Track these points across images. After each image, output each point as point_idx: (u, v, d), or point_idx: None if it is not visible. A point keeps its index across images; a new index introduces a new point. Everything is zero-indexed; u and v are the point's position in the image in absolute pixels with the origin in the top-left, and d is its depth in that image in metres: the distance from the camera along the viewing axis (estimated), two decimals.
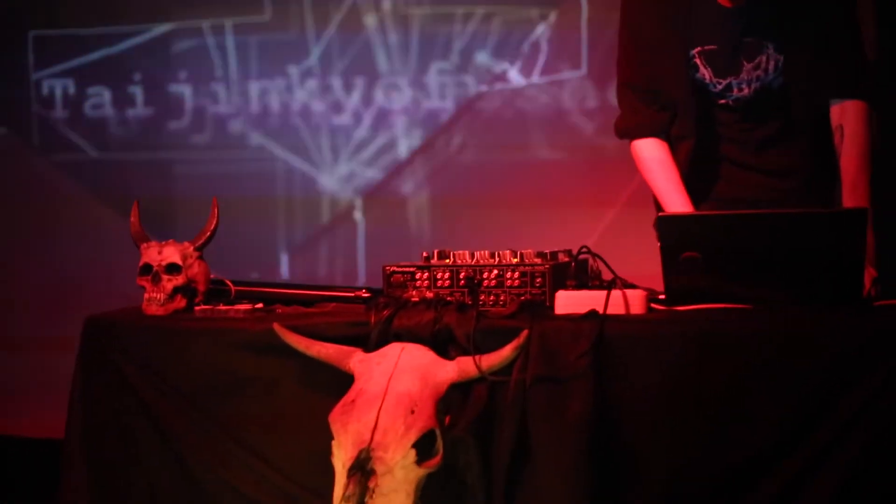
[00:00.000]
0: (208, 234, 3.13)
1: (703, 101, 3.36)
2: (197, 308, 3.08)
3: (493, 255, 2.87)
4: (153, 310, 3.07)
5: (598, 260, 2.88)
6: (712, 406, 2.53)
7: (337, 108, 5.79)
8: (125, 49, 6.14)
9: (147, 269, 3.09)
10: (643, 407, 2.56)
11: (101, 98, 6.22)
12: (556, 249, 2.90)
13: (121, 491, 3.07)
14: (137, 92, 6.15)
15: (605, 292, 2.65)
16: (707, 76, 3.34)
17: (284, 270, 5.74)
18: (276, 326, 2.80)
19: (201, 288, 3.12)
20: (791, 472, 2.46)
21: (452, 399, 2.65)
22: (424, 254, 2.94)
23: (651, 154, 3.40)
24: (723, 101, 3.36)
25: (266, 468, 2.89)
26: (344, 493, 2.53)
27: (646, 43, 3.38)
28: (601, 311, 2.62)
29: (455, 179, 5.49)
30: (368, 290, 3.11)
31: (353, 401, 2.63)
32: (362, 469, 2.54)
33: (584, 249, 2.86)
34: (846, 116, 3.28)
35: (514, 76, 5.51)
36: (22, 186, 6.31)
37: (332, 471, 2.62)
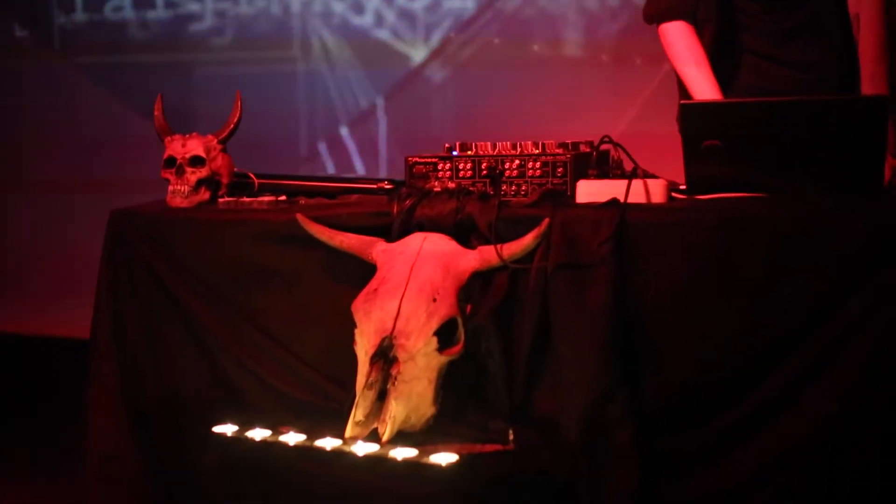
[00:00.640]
0: (231, 126, 3.14)
1: None
2: (221, 200, 3.10)
3: (514, 146, 2.87)
4: (177, 202, 3.09)
5: (619, 150, 2.87)
6: (733, 293, 2.53)
7: (358, 8, 5.75)
8: None
9: (171, 161, 3.11)
10: (664, 295, 2.57)
11: (121, 0, 6.20)
12: (577, 140, 2.90)
13: (148, 383, 3.12)
14: None
15: (625, 181, 2.66)
16: None
17: (307, 168, 5.74)
18: (300, 217, 2.82)
19: (225, 180, 3.14)
20: (812, 355, 2.47)
21: (474, 287, 2.68)
22: (447, 145, 2.95)
23: (680, 38, 3.38)
24: None
25: (290, 357, 2.94)
26: (367, 381, 2.57)
27: None
28: (622, 200, 2.63)
29: (476, 76, 5.46)
30: (391, 181, 3.12)
31: (375, 290, 2.66)
32: (385, 357, 2.57)
33: (606, 139, 2.86)
34: (862, 4, 3.26)
35: None
36: (44, 88, 6.32)
37: (355, 359, 2.66)
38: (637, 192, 2.67)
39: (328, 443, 2.61)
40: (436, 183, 2.88)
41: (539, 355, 2.65)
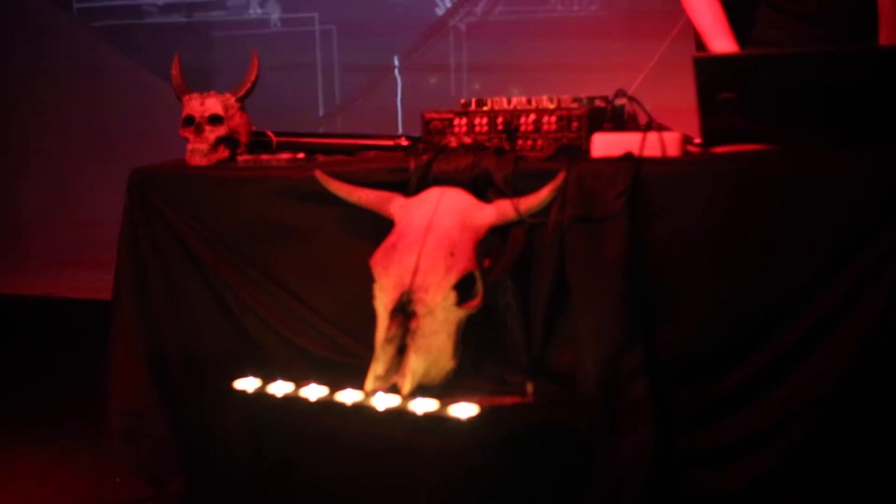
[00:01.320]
0: (249, 84, 3.15)
1: None
2: (239, 158, 3.12)
3: (529, 101, 2.87)
4: (196, 160, 3.11)
5: (634, 104, 2.87)
6: (748, 245, 2.54)
7: None
8: None
9: (189, 120, 3.12)
10: (679, 247, 2.59)
11: None
12: (592, 95, 2.91)
13: (170, 341, 3.16)
14: None
15: (640, 135, 2.66)
16: None
17: (324, 127, 5.75)
18: (318, 173, 2.84)
19: (243, 139, 3.16)
20: (826, 306, 2.48)
21: (491, 241, 2.69)
22: (462, 101, 2.95)
23: None
24: None
25: (309, 313, 2.97)
26: (386, 336, 2.60)
27: None
28: (637, 153, 2.64)
29: (491, 35, 5.46)
30: (408, 137, 3.13)
31: (393, 245, 2.68)
32: (404, 311, 2.60)
33: (621, 93, 2.86)
34: None
35: None
36: (64, 52, 6.33)
37: (374, 314, 2.68)
38: (652, 146, 2.67)
39: (349, 397, 2.64)
40: (452, 138, 2.89)
41: (556, 309, 2.67)
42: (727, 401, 2.57)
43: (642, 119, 2.81)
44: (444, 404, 2.55)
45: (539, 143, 2.82)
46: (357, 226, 2.87)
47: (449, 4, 5.58)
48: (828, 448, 2.50)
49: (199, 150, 3.10)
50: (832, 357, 2.48)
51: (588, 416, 2.60)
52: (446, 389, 2.64)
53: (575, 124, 2.80)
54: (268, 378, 2.79)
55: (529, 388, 2.65)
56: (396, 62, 5.71)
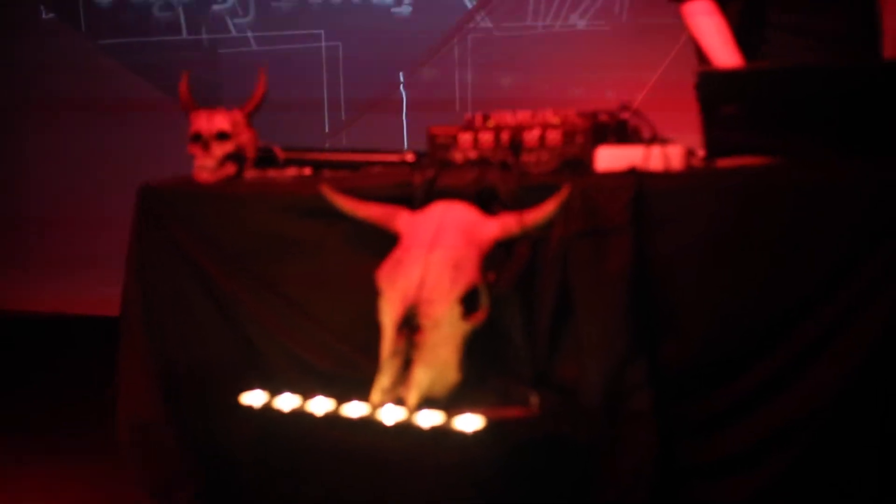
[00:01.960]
0: (257, 100, 3.17)
1: None
2: (246, 174, 3.14)
3: (534, 116, 2.89)
4: (204, 177, 3.13)
5: (638, 119, 2.89)
6: (751, 258, 2.56)
7: None
8: None
9: (197, 136, 3.14)
10: (683, 260, 2.60)
11: None
12: (596, 109, 2.92)
13: (177, 355, 3.18)
14: None
15: (644, 148, 2.68)
16: None
17: (331, 143, 5.77)
18: (324, 189, 2.85)
19: (250, 155, 3.17)
20: (830, 318, 2.49)
21: (496, 255, 2.70)
22: (467, 115, 2.97)
23: (705, 17, 3.37)
24: None
25: (315, 327, 2.98)
26: (392, 349, 2.60)
27: None
28: (641, 167, 2.65)
29: (497, 50, 5.48)
30: (413, 153, 3.15)
31: (399, 259, 2.69)
32: (409, 324, 2.60)
33: (625, 106, 2.88)
34: None
35: None
36: (71, 69, 6.36)
37: (380, 328, 2.69)
38: (656, 159, 2.69)
39: (355, 410, 2.65)
40: (457, 153, 2.91)
41: (560, 322, 2.68)
42: (730, 412, 2.58)
43: (646, 133, 2.82)
44: (450, 417, 2.55)
45: (544, 157, 2.84)
46: (363, 240, 2.88)
47: (455, 21, 5.60)
48: (830, 460, 2.51)
49: (207, 167, 3.12)
50: (835, 369, 2.49)
51: (592, 428, 2.61)
52: (452, 402, 2.64)
53: (579, 138, 2.81)
54: (274, 391, 2.80)
55: (534, 400, 2.65)
56: (402, 78, 5.73)
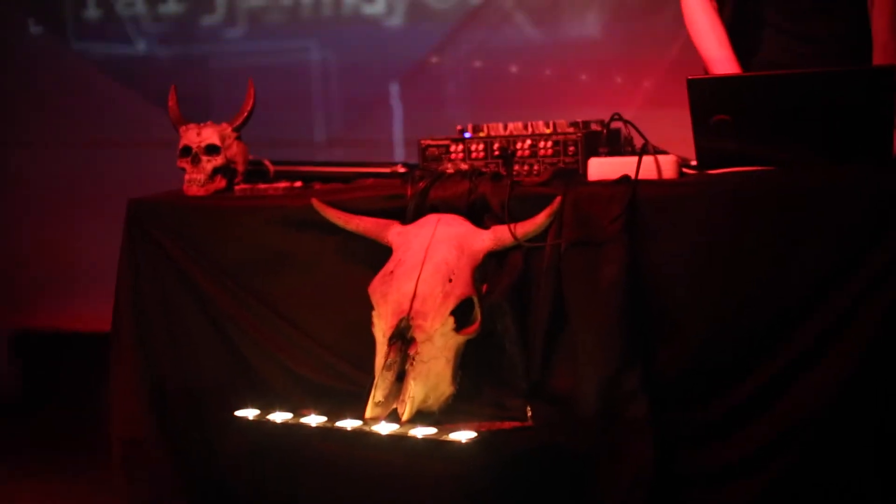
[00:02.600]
0: (245, 114, 3.17)
1: None
2: (237, 187, 3.14)
3: (525, 126, 2.89)
4: (194, 191, 3.13)
5: (630, 128, 2.89)
6: (744, 266, 2.55)
7: None
8: None
9: (187, 150, 3.14)
10: (676, 269, 2.60)
11: None
12: (588, 119, 2.92)
13: (169, 370, 3.16)
14: None
15: (636, 158, 2.68)
16: None
17: (321, 156, 5.76)
18: (315, 202, 2.85)
19: (240, 168, 3.17)
20: (823, 325, 2.48)
21: (489, 267, 2.70)
22: (458, 127, 2.97)
23: (700, 14, 3.38)
24: None
25: (307, 340, 2.97)
26: (385, 362, 2.60)
27: None
28: (633, 177, 2.65)
29: (489, 61, 5.47)
30: (405, 164, 3.15)
31: (391, 272, 2.69)
32: (402, 337, 2.60)
33: (616, 117, 2.87)
34: None
35: None
36: (59, 83, 6.34)
37: (373, 341, 2.69)
38: (648, 169, 2.69)
39: (349, 423, 2.64)
40: (449, 165, 2.91)
41: (554, 332, 2.67)
42: (725, 420, 2.57)
43: (638, 142, 2.82)
44: (444, 429, 2.55)
45: (535, 167, 2.84)
46: (355, 253, 2.88)
47: (447, 31, 5.59)
48: (829, 465, 2.50)
49: (197, 181, 3.12)
50: (831, 374, 2.48)
51: (587, 438, 2.60)
52: (446, 415, 2.64)
53: (571, 149, 2.82)
54: (267, 408, 2.79)
55: (529, 411, 2.65)
56: (393, 89, 5.73)
